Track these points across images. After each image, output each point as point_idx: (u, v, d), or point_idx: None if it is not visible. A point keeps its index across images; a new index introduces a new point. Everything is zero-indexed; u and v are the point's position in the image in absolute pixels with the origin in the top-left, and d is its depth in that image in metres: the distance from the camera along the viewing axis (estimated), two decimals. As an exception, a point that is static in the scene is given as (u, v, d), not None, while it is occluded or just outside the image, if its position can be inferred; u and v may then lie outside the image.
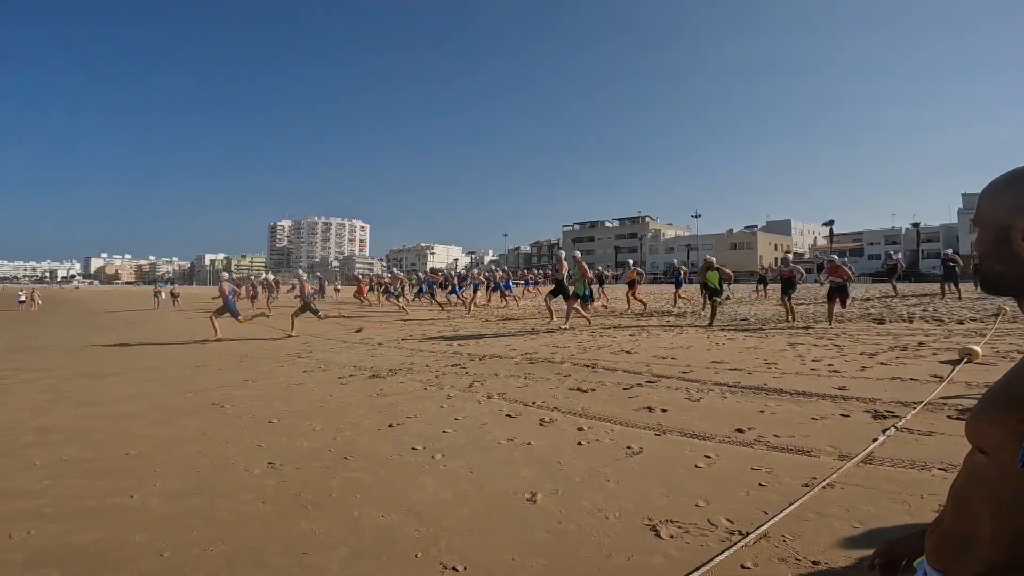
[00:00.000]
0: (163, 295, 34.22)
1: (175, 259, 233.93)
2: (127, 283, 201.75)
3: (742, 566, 2.62)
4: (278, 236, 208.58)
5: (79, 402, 6.59)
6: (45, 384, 7.79)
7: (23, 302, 31.47)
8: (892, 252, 25.54)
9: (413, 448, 4.59)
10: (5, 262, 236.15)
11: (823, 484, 3.47)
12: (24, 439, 5.03)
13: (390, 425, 5.32)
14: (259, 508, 3.47)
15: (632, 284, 19.09)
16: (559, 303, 14.58)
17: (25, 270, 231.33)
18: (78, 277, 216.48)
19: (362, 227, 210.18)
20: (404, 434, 5.02)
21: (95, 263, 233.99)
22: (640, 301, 18.23)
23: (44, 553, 2.87)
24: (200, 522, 3.27)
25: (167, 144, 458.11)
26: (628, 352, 9.14)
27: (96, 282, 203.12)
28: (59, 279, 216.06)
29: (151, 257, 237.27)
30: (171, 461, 4.38)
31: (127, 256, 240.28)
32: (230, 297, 13.73)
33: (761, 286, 25.45)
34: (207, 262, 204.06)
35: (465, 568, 2.69)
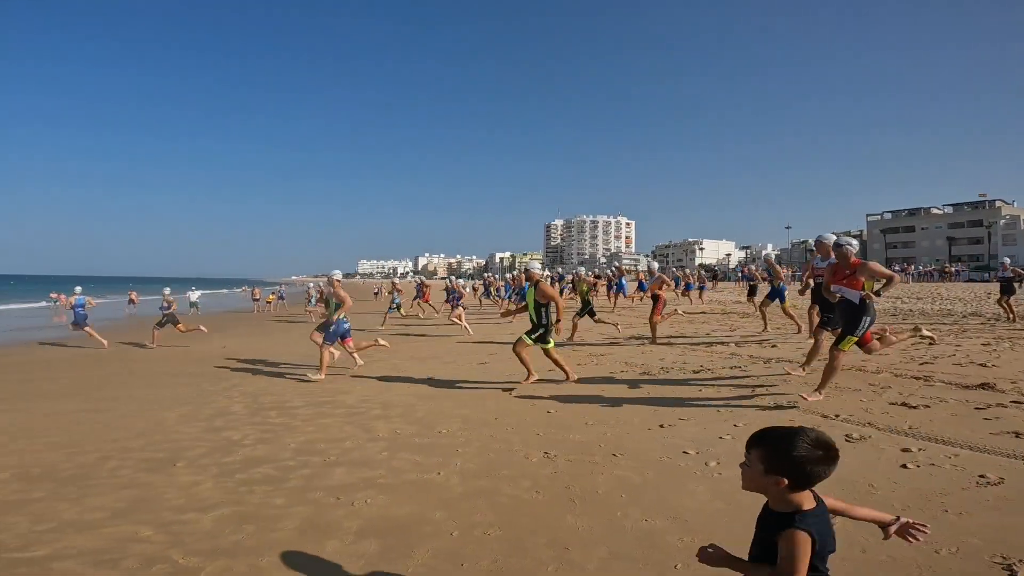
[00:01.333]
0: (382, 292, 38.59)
1: (474, 256, 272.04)
2: (441, 277, 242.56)
3: None
4: (552, 234, 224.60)
5: (411, 380, 7.99)
6: (389, 364, 9.71)
7: (376, 293, 40.54)
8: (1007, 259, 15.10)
9: (684, 452, 4.39)
10: (365, 261, 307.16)
11: None
12: (373, 412, 6.18)
13: (661, 425, 5.17)
14: (533, 496, 3.67)
15: (656, 300, 11.02)
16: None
17: (378, 267, 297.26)
18: (410, 273, 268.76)
19: (627, 223, 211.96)
20: (675, 436, 4.83)
21: (421, 260, 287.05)
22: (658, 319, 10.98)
23: (371, 523, 3.35)
24: (484, 504, 3.56)
25: (476, 154, 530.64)
26: (982, 365, 7.19)
27: (422, 276, 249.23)
28: (398, 274, 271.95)
29: (457, 255, 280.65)
30: (471, 442, 4.95)
31: (441, 255, 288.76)
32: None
33: None
34: (497, 259, 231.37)
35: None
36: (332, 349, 8.82)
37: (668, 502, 3.46)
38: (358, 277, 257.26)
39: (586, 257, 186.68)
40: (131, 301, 24.51)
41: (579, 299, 12.93)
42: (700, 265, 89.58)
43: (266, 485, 3.95)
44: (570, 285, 25.71)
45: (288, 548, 2.97)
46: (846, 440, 4.48)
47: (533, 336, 7.10)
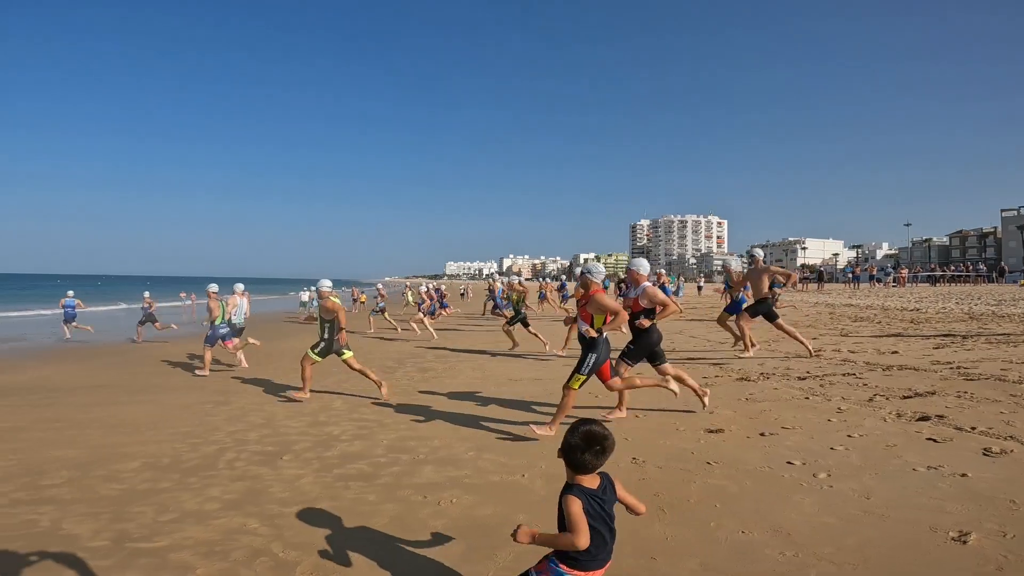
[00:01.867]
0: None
1: (558, 257, 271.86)
2: (526, 279, 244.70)
3: None
4: (638, 235, 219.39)
5: (499, 381, 8.03)
6: (476, 364, 9.82)
7: (464, 294, 41.46)
8: None
9: (789, 462, 4.07)
10: (452, 262, 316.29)
11: None
12: (463, 413, 6.21)
13: (761, 434, 4.82)
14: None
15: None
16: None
17: (464, 268, 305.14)
18: (495, 274, 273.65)
19: (719, 223, 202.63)
20: (778, 445, 4.49)
21: (506, 262, 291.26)
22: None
23: (456, 523, 3.34)
24: None
25: (561, 156, 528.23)
26: None
27: (507, 277, 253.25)
28: (484, 275, 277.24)
29: (542, 256, 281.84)
30: (555, 445, 4.84)
31: (525, 256, 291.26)
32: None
33: None
34: (581, 260, 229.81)
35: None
36: (210, 353, 9.47)
37: (769, 514, 3.21)
38: (445, 278, 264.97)
39: (674, 257, 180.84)
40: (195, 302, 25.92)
41: (512, 308, 12.24)
42: (802, 265, 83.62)
43: (360, 481, 4.06)
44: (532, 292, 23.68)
45: (376, 546, 3.02)
46: (984, 454, 3.99)
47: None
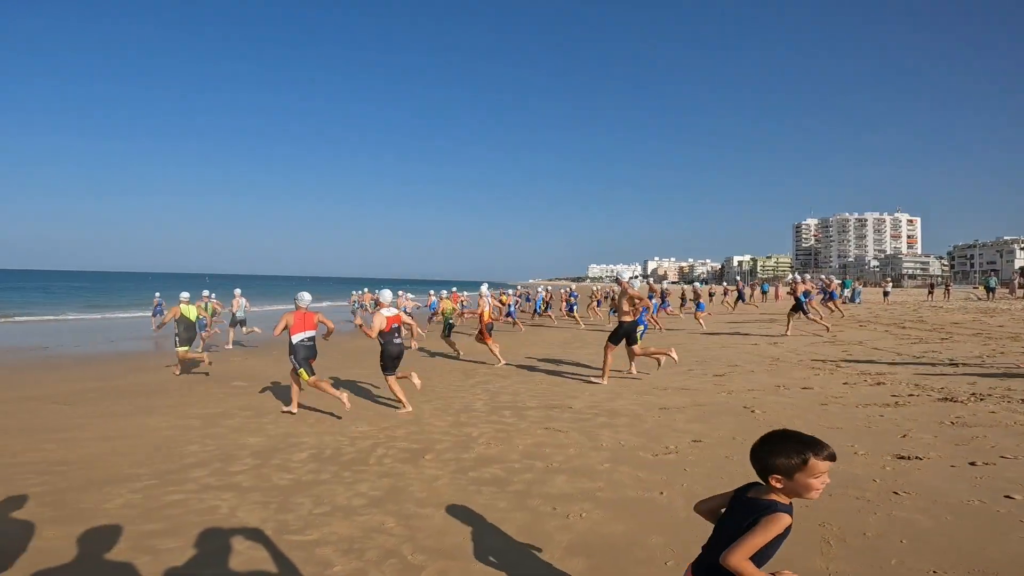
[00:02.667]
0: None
1: (708, 260, 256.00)
2: (672, 282, 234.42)
3: None
4: (803, 235, 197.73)
5: (640, 390, 7.63)
6: (614, 370, 9.43)
7: (605, 297, 40.71)
8: None
9: (1008, 496, 3.31)
10: (595, 265, 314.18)
11: None
12: (599, 420, 5.98)
13: (972, 463, 3.93)
14: None
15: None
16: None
17: (607, 271, 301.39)
18: (639, 277, 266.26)
19: (909, 220, 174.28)
20: (995, 477, 3.66)
21: (651, 265, 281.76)
22: None
23: (583, 539, 3.13)
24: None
25: (710, 150, 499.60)
26: None
27: (651, 280, 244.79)
28: (627, 279, 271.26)
29: (689, 259, 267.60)
30: (701, 462, 4.40)
31: (672, 258, 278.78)
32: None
33: None
34: (735, 263, 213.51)
35: None
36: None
37: (973, 554, 2.63)
38: (588, 281, 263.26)
39: (850, 260, 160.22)
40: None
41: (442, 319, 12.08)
42: (1022, 268, 68.96)
43: (492, 486, 4.01)
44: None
45: (500, 556, 2.93)
46: None
47: None
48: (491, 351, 10.68)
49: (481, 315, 10.75)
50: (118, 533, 3.29)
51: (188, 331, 9.82)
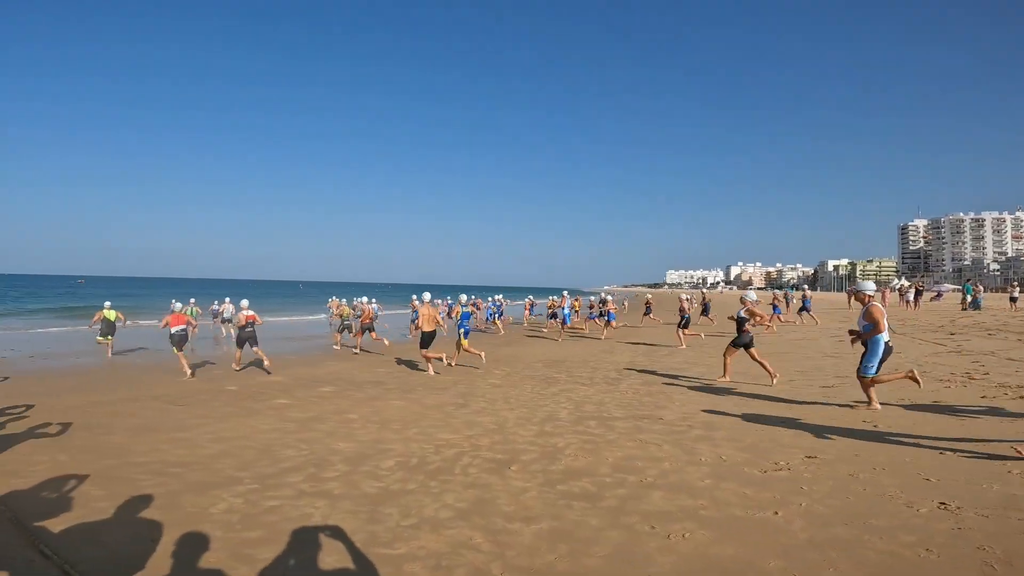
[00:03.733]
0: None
1: (799, 265, 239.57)
2: (758, 288, 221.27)
3: None
4: (911, 237, 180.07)
5: (737, 401, 7.06)
6: (710, 379, 8.88)
7: (686, 302, 38.95)
8: None
9: None
10: (673, 271, 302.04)
11: None
12: (694, 432, 5.54)
13: None
14: (921, 556, 2.70)
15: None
16: None
17: (686, 277, 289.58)
18: (721, 283, 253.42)
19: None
20: None
21: (734, 270, 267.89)
22: None
23: (688, 562, 2.83)
24: (842, 558, 2.74)
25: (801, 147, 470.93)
26: None
27: (734, 287, 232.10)
28: (708, 284, 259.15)
29: (778, 264, 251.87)
30: (820, 479, 3.92)
31: (757, 263, 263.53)
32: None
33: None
34: (830, 267, 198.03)
35: None
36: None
37: None
38: (666, 287, 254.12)
39: (966, 263, 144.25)
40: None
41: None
42: None
43: (583, 501, 3.75)
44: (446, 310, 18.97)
45: (596, 579, 2.65)
46: None
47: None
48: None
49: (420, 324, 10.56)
50: (220, 540, 3.33)
51: (108, 327, 14.00)
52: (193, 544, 3.27)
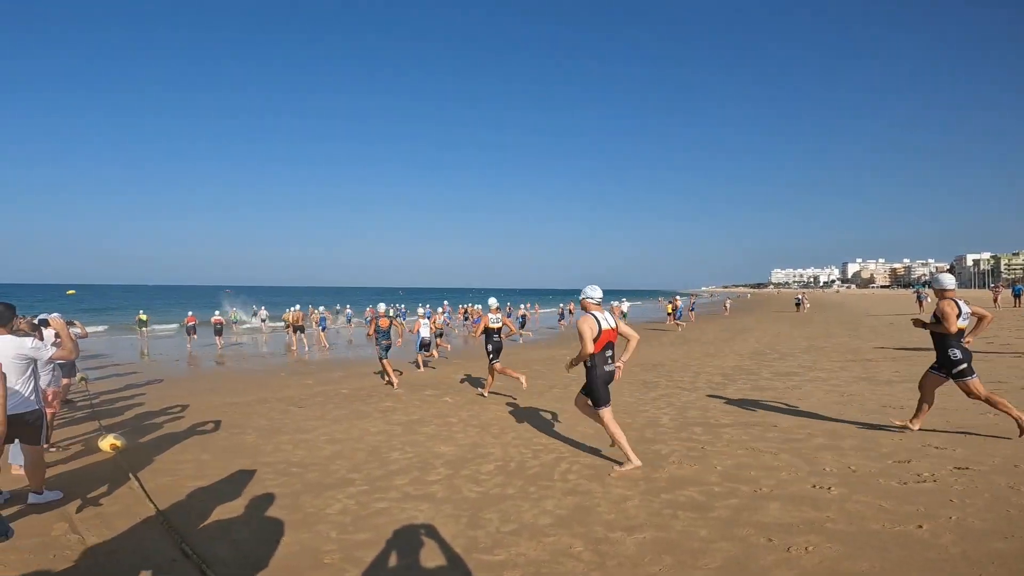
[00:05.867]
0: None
1: (930, 260, 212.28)
2: (881, 287, 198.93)
3: None
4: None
5: (868, 408, 6.31)
6: (830, 385, 8.03)
7: (799, 304, 35.69)
8: None
9: None
10: (779, 270, 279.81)
11: None
12: (815, 440, 5.00)
13: None
14: None
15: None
16: None
17: (794, 276, 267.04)
18: (837, 281, 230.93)
19: None
20: None
21: (851, 268, 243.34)
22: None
23: None
24: (1003, 573, 2.39)
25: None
26: None
27: (852, 286, 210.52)
28: (821, 284, 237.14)
29: (905, 260, 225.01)
30: (974, 492, 3.38)
31: (880, 260, 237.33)
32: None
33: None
34: (969, 262, 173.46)
35: None
36: None
37: None
38: (771, 287, 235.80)
39: None
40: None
41: None
42: None
43: (691, 511, 3.47)
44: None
45: (709, 596, 2.40)
46: None
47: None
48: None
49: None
50: (334, 542, 3.42)
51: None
52: (311, 545, 3.38)
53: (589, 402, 4.64)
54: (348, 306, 34.23)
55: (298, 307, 19.35)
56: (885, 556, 2.64)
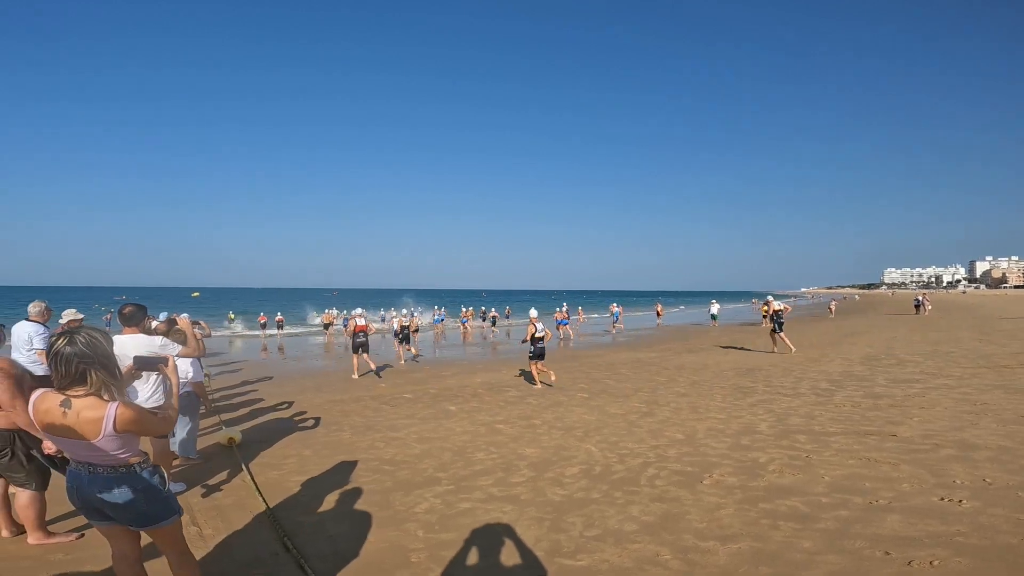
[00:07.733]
0: None
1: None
2: (1015, 287, 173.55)
3: None
4: None
5: (1004, 418, 5.50)
6: (959, 393, 7.08)
7: (919, 305, 32.00)
8: None
9: None
10: (894, 269, 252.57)
11: None
12: (943, 451, 4.46)
13: None
14: None
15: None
16: None
17: (912, 276, 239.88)
18: (963, 281, 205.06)
19: None
20: None
21: (980, 266, 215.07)
22: None
23: None
24: None
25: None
26: None
27: (982, 286, 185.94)
28: (944, 284, 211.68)
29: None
30: None
31: (1014, 257, 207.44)
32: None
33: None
34: None
35: None
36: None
37: None
38: (884, 288, 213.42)
39: None
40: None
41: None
42: None
43: (793, 522, 3.14)
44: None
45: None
46: None
47: None
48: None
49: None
50: (421, 540, 3.44)
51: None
52: (399, 543, 3.42)
53: None
54: (441, 307, 34.44)
55: (404, 311, 19.70)
56: (1020, 571, 2.23)
